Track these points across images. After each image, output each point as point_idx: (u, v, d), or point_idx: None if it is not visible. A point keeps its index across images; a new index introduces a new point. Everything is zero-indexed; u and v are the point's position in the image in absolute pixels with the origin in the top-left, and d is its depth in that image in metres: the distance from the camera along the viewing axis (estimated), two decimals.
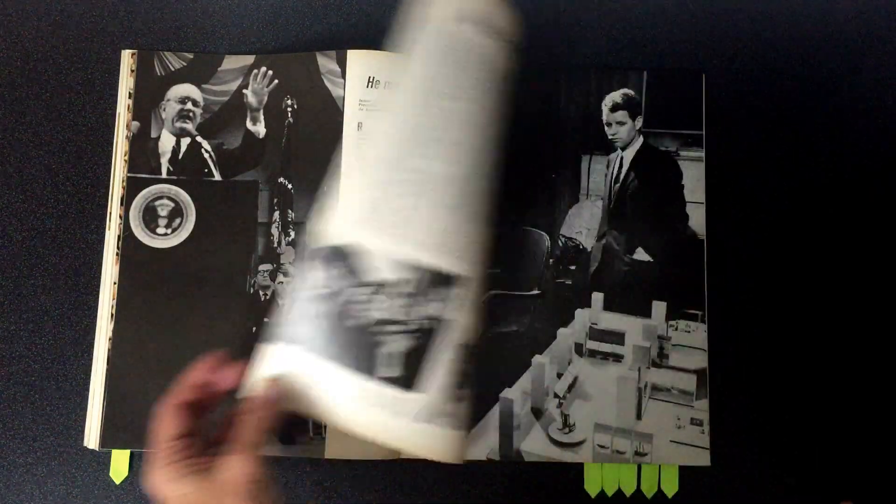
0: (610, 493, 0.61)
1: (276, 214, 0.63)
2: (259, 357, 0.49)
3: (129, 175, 0.63)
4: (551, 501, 0.61)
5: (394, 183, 0.51)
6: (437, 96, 0.52)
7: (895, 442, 0.62)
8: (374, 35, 0.66)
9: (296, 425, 0.59)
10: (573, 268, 0.63)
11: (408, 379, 0.48)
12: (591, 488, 0.61)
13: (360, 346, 0.48)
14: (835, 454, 0.61)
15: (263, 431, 0.46)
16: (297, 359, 0.48)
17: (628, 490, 0.61)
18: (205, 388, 0.49)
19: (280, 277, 0.62)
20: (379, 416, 0.48)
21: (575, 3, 0.67)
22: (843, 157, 0.65)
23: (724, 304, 0.63)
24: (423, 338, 0.49)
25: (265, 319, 0.61)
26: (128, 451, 0.60)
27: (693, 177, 0.64)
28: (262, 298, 0.62)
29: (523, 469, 0.61)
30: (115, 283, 0.62)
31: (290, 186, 0.63)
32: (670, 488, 0.61)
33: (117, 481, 0.60)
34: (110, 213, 0.63)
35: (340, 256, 0.50)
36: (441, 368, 0.49)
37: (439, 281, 0.50)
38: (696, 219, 0.64)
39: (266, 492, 0.44)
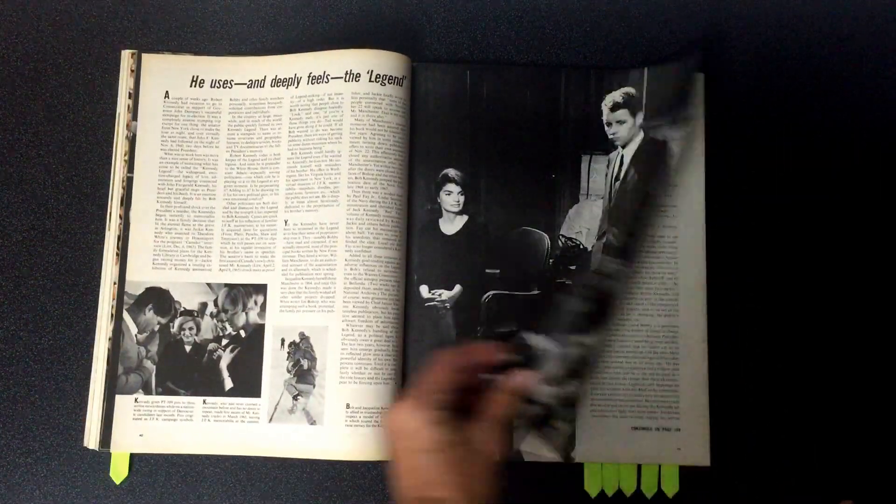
0: (610, 493, 0.61)
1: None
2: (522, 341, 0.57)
3: (128, 175, 0.63)
4: (551, 501, 0.61)
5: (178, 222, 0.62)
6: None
7: (895, 442, 0.62)
8: (375, 35, 0.66)
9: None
10: (573, 268, 0.63)
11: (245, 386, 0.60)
12: (591, 488, 0.61)
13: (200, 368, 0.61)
14: (835, 454, 0.61)
15: (512, 415, 0.51)
16: None
17: (628, 490, 0.61)
18: (472, 360, 0.52)
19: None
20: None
21: (575, 3, 0.67)
22: (844, 157, 0.65)
23: (724, 304, 0.63)
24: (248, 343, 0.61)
25: None
26: (128, 452, 0.60)
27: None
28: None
29: (523, 469, 0.61)
30: (114, 283, 0.62)
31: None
32: (670, 488, 0.61)
33: (117, 481, 0.60)
34: (110, 213, 0.63)
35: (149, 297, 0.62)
36: (272, 369, 0.60)
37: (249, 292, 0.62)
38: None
39: (500, 479, 0.47)
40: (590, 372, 0.59)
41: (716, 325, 0.62)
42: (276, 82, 0.65)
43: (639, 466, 0.61)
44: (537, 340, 0.54)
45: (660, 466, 0.61)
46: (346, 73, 0.63)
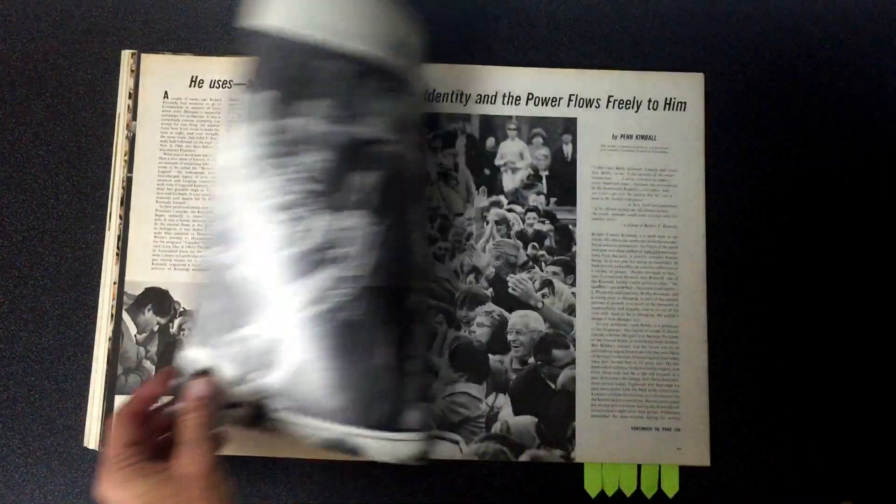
0: (610, 493, 0.61)
1: None
2: (182, 361, 0.52)
3: (128, 175, 0.63)
4: (551, 501, 0.61)
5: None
6: None
7: (895, 442, 0.62)
8: None
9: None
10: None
11: None
12: (591, 488, 0.61)
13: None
14: (835, 454, 0.61)
15: (205, 426, 0.48)
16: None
17: (628, 490, 0.61)
18: (153, 399, 0.52)
19: None
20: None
21: (574, 3, 0.67)
22: (844, 157, 0.65)
23: (724, 304, 0.63)
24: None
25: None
26: None
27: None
28: None
29: (523, 469, 0.61)
30: (114, 283, 0.62)
31: None
32: (670, 488, 0.61)
33: None
34: (110, 213, 0.63)
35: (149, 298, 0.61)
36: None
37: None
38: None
39: (221, 483, 0.47)
40: (273, 357, 0.51)
41: (716, 325, 0.62)
42: None
43: (639, 466, 0.61)
44: (196, 353, 0.51)
45: (660, 466, 0.61)
46: None
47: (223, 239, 0.52)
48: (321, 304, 0.50)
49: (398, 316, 0.53)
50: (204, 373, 0.51)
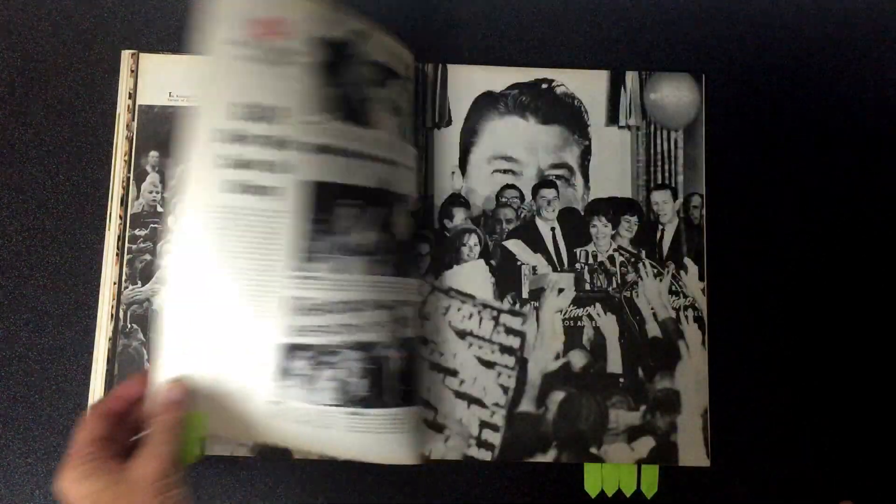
0: (610, 493, 0.61)
1: None
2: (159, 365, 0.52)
3: (128, 175, 0.63)
4: (551, 501, 0.61)
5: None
6: None
7: (895, 442, 0.62)
8: None
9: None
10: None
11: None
12: (591, 488, 0.61)
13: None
14: (835, 454, 0.61)
15: (173, 430, 0.48)
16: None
17: (628, 490, 0.61)
18: (127, 399, 0.51)
19: None
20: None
21: (574, 4, 0.67)
22: (844, 157, 0.65)
23: (724, 304, 0.63)
24: None
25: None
26: None
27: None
28: None
29: (523, 469, 0.61)
30: (114, 283, 0.62)
31: None
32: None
33: None
34: (110, 213, 0.63)
35: None
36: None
37: None
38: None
39: (176, 491, 0.46)
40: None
41: (716, 324, 0.62)
42: None
43: (639, 466, 0.61)
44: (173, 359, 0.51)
45: (659, 466, 0.61)
46: None
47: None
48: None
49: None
50: (177, 379, 0.51)
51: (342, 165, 0.52)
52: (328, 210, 0.51)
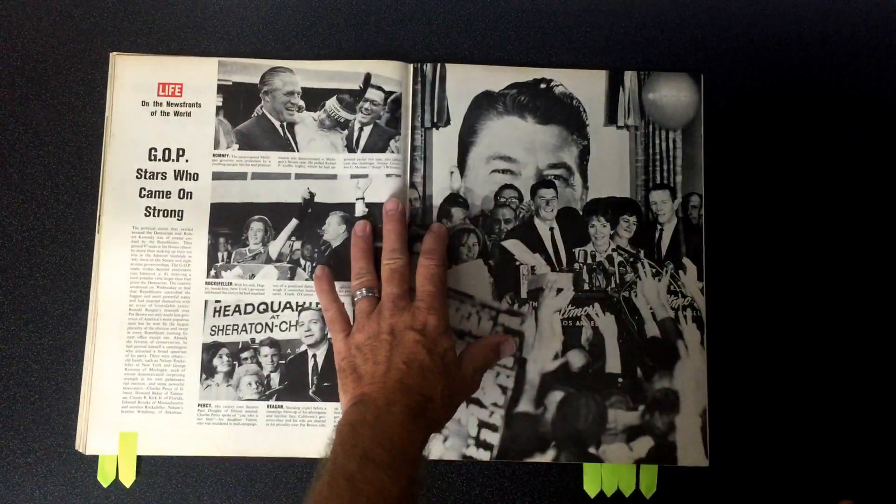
0: (609, 493, 0.61)
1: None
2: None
3: None
4: (550, 501, 0.61)
5: None
6: None
7: (895, 442, 0.61)
8: (375, 38, 0.66)
9: None
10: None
11: None
12: (591, 489, 0.61)
13: None
14: (835, 454, 0.61)
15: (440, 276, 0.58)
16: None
17: (627, 490, 0.61)
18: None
19: None
20: None
21: (573, 4, 0.67)
22: (844, 157, 0.65)
23: (724, 304, 0.63)
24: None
25: None
26: (115, 456, 0.60)
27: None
28: None
29: (522, 469, 0.61)
30: None
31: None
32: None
33: (105, 485, 0.60)
34: (99, 216, 0.63)
35: None
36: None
37: None
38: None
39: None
40: None
41: (715, 324, 0.62)
42: None
43: (638, 466, 0.61)
44: None
45: (658, 466, 0.61)
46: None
47: None
48: None
49: None
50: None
51: (242, 187, 0.62)
52: (235, 225, 0.62)
